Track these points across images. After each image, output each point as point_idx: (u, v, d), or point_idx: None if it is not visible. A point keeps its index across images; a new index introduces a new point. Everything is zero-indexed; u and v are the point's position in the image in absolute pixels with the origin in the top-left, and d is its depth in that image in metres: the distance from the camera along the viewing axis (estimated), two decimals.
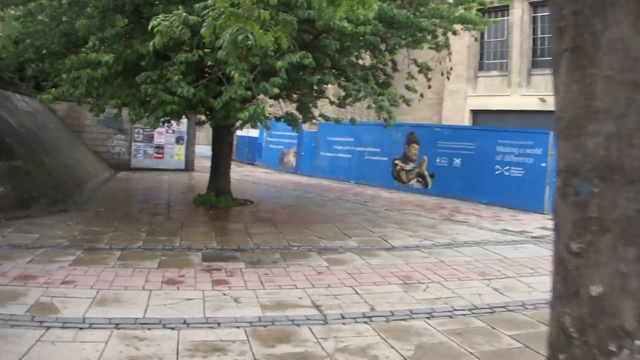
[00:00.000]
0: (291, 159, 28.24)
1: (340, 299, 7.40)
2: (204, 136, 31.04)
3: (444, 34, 14.14)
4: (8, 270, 7.96)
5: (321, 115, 15.62)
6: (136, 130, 24.79)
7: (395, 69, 15.45)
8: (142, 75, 10.77)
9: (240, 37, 5.02)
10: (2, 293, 6.99)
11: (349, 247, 10.69)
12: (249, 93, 10.23)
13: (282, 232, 11.83)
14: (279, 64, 10.22)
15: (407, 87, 15.31)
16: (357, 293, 7.72)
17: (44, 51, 12.66)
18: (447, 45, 14.51)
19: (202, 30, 5.41)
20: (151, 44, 5.65)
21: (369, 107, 17.52)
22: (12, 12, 12.99)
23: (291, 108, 15.51)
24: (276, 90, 10.53)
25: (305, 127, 26.41)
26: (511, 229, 13.75)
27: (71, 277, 7.83)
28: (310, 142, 26.76)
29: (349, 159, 24.51)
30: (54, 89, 11.30)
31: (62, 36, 12.12)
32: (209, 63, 11.02)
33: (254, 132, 30.75)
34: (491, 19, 16.48)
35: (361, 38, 12.49)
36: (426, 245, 11.25)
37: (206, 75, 11.74)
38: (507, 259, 10.25)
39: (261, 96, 11.72)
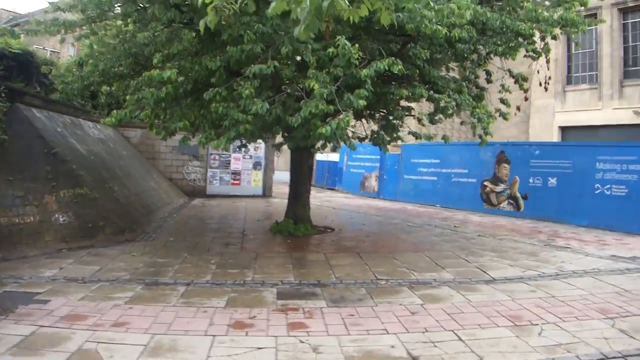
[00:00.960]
0: (373, 183, 26.96)
1: (441, 348, 5.96)
2: (283, 161, 30.28)
3: (543, 38, 12.49)
4: (56, 309, 7.00)
5: (412, 132, 14.20)
6: (212, 157, 24.28)
7: (489, 80, 13.85)
8: (210, 92, 9.76)
9: (325, 3, 3.74)
10: (43, 337, 5.98)
11: (444, 280, 9.21)
12: (332, 108, 9.01)
13: (367, 263, 10.47)
14: (365, 72, 9.01)
15: (502, 101, 13.73)
16: (460, 339, 6.25)
17: (111, 74, 11.94)
18: (547, 50, 12.82)
19: (273, 5, 4.14)
20: (202, 22, 4.42)
21: (462, 123, 15.91)
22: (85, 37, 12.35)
23: (374, 128, 14.17)
24: (362, 103, 9.25)
25: (388, 149, 25.26)
26: (621, 255, 11.91)
27: (125, 317, 6.76)
28: (393, 165, 25.48)
29: (434, 182, 23.09)
30: (115, 112, 10.45)
31: (128, 56, 11.37)
32: (286, 75, 9.86)
33: (334, 156, 29.90)
34: (590, 20, 14.60)
35: (452, 47, 11.12)
36: (531, 277, 9.63)
37: (283, 91, 10.63)
38: (627, 292, 8.55)
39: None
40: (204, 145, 10.87)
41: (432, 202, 22.71)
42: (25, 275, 8.85)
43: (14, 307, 7.03)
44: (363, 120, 14.58)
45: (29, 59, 14.28)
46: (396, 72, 9.29)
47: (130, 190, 15.85)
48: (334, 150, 14.01)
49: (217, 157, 24.20)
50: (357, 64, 9.09)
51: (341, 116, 9.01)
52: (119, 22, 12.27)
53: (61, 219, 11.62)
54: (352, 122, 11.14)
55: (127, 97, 10.58)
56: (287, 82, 10.54)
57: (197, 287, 8.47)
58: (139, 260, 10.23)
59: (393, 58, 9.28)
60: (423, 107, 20.11)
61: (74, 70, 12.95)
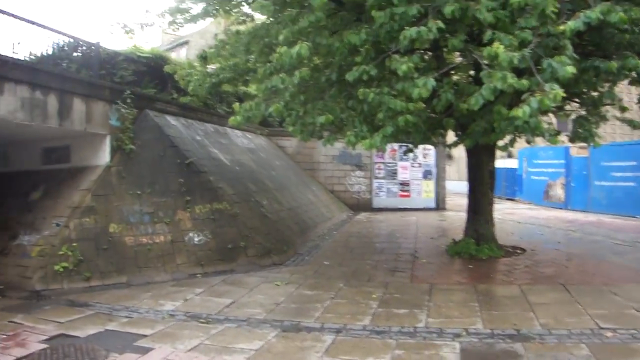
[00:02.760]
0: (558, 191, 22.98)
1: None
2: (454, 170, 27.32)
3: None
4: None
5: (629, 122, 10.73)
6: (377, 166, 21.90)
7: None
8: (355, 71, 7.32)
9: None
10: None
11: None
12: (525, 83, 6.23)
13: (578, 300, 7.38)
14: (571, 24, 6.15)
15: None
16: None
17: (241, 67, 10.11)
18: None
19: None
20: None
21: None
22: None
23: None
24: (570, 70, 6.27)
25: (574, 152, 21.38)
26: None
27: None
28: (581, 170, 21.37)
29: (634, 188, 18.72)
30: (238, 105, 8.46)
31: (257, 41, 9.41)
32: (454, 46, 7.23)
33: (511, 163, 26.23)
34: None
35: None
36: None
37: (450, 71, 7.98)
38: None
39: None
40: (353, 145, 8.29)
41: (632, 213, 18.48)
42: (142, 308, 7.42)
43: (106, 354, 5.58)
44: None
45: (161, 64, 12.98)
46: (614, 22, 6.30)
47: (281, 205, 13.96)
48: (530, 139, 10.46)
49: (382, 166, 21.84)
50: (554, 17, 6.25)
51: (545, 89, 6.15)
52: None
53: (196, 239, 9.89)
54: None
55: (253, 88, 8.53)
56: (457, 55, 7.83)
57: (349, 335, 6.09)
58: (281, 292, 8.10)
59: (610, 3, 6.29)
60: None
61: (197, 66, 11.25)
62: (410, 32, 6.49)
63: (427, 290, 8.12)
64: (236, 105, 8.49)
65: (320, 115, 8.11)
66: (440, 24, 6.50)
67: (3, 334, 6.23)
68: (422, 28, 6.47)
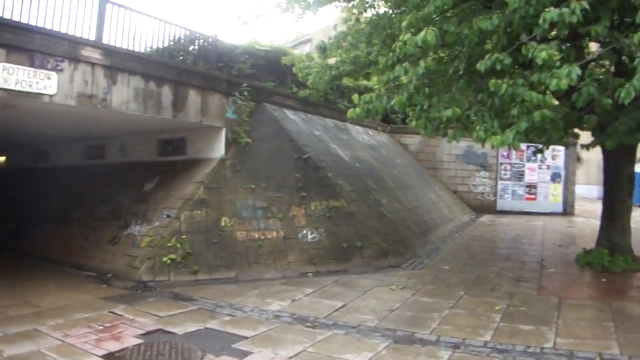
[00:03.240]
0: None
1: None
2: (582, 173, 25.13)
3: None
4: None
5: None
6: (503, 167, 20.49)
7: None
8: (487, 59, 6.47)
9: None
10: None
11: None
12: None
13: None
14: None
15: None
16: None
17: (362, 60, 9.54)
18: None
19: None
20: None
21: None
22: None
23: None
24: None
25: None
26: None
27: None
28: None
29: None
30: (356, 96, 7.86)
31: (381, 32, 8.78)
32: (597, 33, 6.24)
33: None
34: None
35: None
36: None
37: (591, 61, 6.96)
38: None
39: None
40: (483, 142, 7.39)
41: None
42: (247, 306, 7.06)
43: (202, 355, 5.27)
44: None
45: (280, 57, 12.70)
46: None
47: (402, 204, 13.26)
48: None
49: (508, 167, 20.41)
50: None
51: None
52: None
53: (309, 236, 9.47)
54: None
55: (374, 80, 7.93)
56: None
57: (468, 352, 5.33)
58: (396, 298, 7.43)
59: None
60: None
61: (316, 58, 10.76)
62: (552, 14, 5.58)
63: (556, 304, 7.11)
64: (355, 97, 7.90)
65: (446, 108, 7.34)
66: (585, 4, 5.56)
67: (100, 325, 6.10)
68: (564, 9, 5.56)
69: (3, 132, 11.43)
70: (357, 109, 7.86)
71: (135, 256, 8.81)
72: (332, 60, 10.70)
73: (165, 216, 9.18)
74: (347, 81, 13.19)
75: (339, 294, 7.57)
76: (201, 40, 11.30)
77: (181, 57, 10.45)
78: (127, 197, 10.57)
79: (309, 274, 8.80)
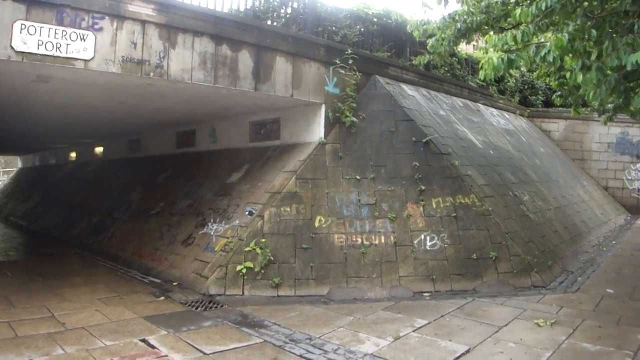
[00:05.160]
0: None
1: None
2: None
3: None
4: None
5: None
6: None
7: None
8: None
9: None
10: None
11: None
12: None
13: None
14: None
15: None
16: None
17: (499, 8, 7.23)
18: None
19: None
20: None
21: None
22: None
23: None
24: None
25: None
26: None
27: None
28: None
29: None
30: (491, 35, 5.62)
31: None
32: None
33: None
34: None
35: None
36: None
37: None
38: None
39: None
40: None
41: None
42: (330, 342, 5.26)
43: None
44: None
45: (396, 24, 10.63)
46: None
47: (547, 202, 10.79)
48: None
49: None
50: None
51: None
52: None
53: (429, 243, 7.40)
54: None
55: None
56: None
57: None
58: (545, 340, 5.21)
59: None
60: None
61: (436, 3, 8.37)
62: None
63: None
64: (489, 36, 5.71)
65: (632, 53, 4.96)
66: None
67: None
68: None
69: (85, 120, 10.48)
70: (493, 59, 5.67)
71: (206, 262, 7.27)
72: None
73: (247, 213, 7.54)
74: (478, 54, 10.85)
75: (462, 330, 5.47)
76: (294, 3, 9.49)
77: (269, 22, 8.74)
78: (209, 190, 9.12)
79: (425, 295, 6.78)
